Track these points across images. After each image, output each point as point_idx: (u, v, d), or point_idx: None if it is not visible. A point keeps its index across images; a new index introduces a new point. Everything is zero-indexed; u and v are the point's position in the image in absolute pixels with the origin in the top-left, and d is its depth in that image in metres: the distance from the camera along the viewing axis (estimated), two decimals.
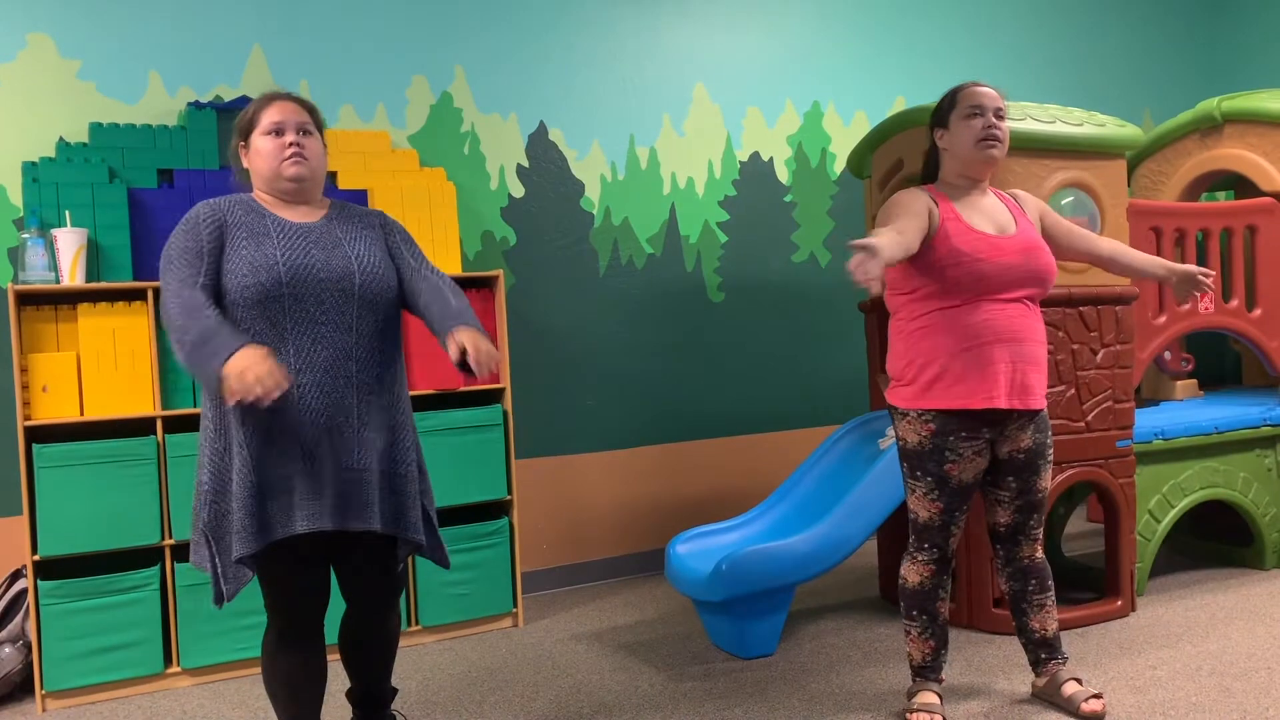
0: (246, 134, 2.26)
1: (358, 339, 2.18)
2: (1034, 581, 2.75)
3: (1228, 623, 3.39)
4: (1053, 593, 2.78)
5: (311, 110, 2.29)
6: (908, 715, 2.71)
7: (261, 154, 2.22)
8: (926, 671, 2.76)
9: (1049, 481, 2.72)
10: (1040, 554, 2.77)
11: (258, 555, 2.13)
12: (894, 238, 2.36)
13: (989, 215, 2.63)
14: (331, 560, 2.32)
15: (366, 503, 2.17)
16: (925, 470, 2.63)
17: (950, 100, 2.66)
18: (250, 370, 1.92)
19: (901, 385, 2.66)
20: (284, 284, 2.12)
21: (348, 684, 2.58)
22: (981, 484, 2.72)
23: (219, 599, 2.17)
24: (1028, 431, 2.64)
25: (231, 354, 1.95)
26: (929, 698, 2.73)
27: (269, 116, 2.22)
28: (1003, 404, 2.54)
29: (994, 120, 2.59)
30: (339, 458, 2.15)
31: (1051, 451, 2.71)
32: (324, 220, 2.27)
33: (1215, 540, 4.17)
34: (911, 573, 2.73)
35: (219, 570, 2.16)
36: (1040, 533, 2.75)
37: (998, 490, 2.71)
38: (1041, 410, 2.66)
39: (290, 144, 2.20)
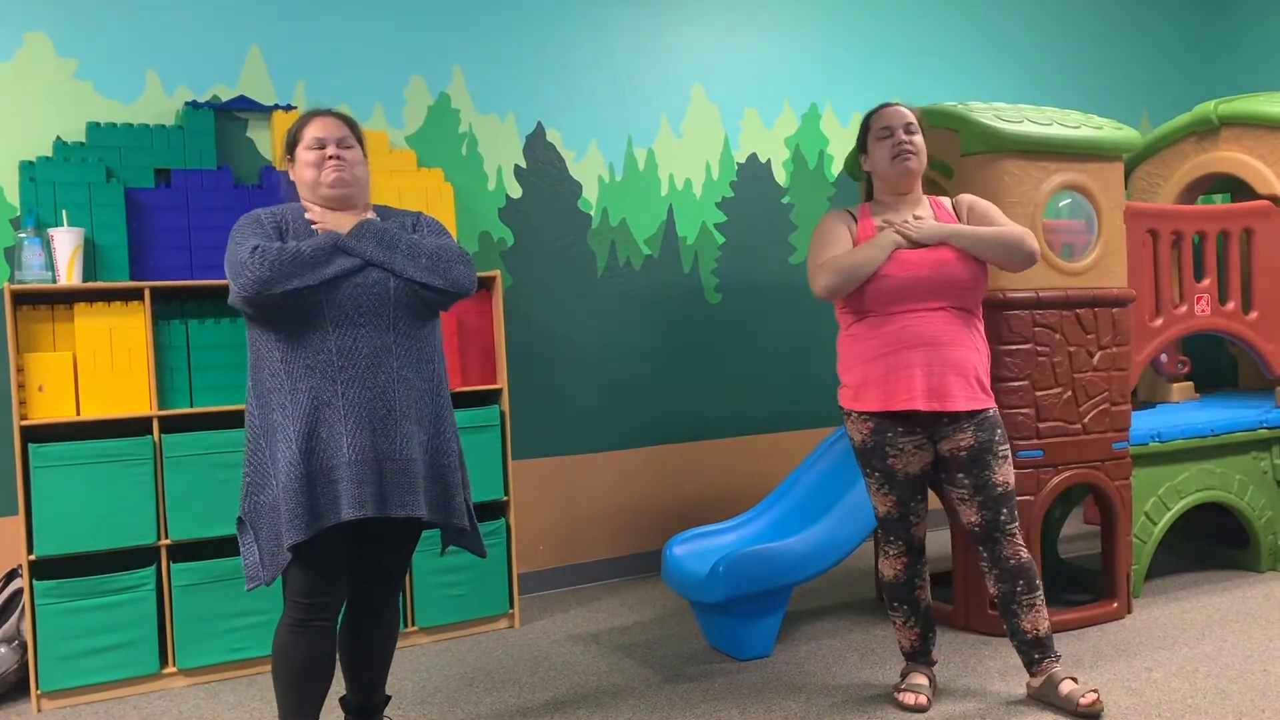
0: (292, 148, 2.42)
1: (396, 337, 2.31)
2: (1022, 582, 2.76)
3: (1223, 625, 3.39)
4: (1041, 591, 2.79)
5: (351, 124, 2.44)
6: (896, 694, 2.84)
7: (305, 165, 2.37)
8: (916, 656, 2.91)
9: (1007, 476, 2.75)
10: (1024, 553, 2.78)
11: (302, 542, 2.21)
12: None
13: None
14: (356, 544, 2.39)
15: (410, 490, 2.29)
16: (872, 466, 2.79)
17: (864, 127, 2.84)
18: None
19: (843, 387, 2.82)
20: (319, 288, 2.24)
21: (341, 690, 2.59)
22: (939, 484, 2.81)
23: (251, 582, 2.30)
24: (967, 432, 2.70)
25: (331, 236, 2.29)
26: (918, 679, 2.87)
27: (311, 132, 2.38)
28: (920, 406, 2.65)
29: (903, 137, 2.74)
30: (381, 449, 2.26)
31: (1004, 447, 2.74)
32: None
33: (1211, 543, 4.17)
34: (886, 567, 2.89)
35: (260, 555, 2.28)
36: (1016, 529, 2.77)
37: (954, 488, 2.77)
38: (982, 411, 2.71)
39: (331, 156, 2.35)
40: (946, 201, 2.87)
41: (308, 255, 2.22)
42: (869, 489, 2.84)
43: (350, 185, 2.38)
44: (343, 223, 2.34)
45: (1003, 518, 2.74)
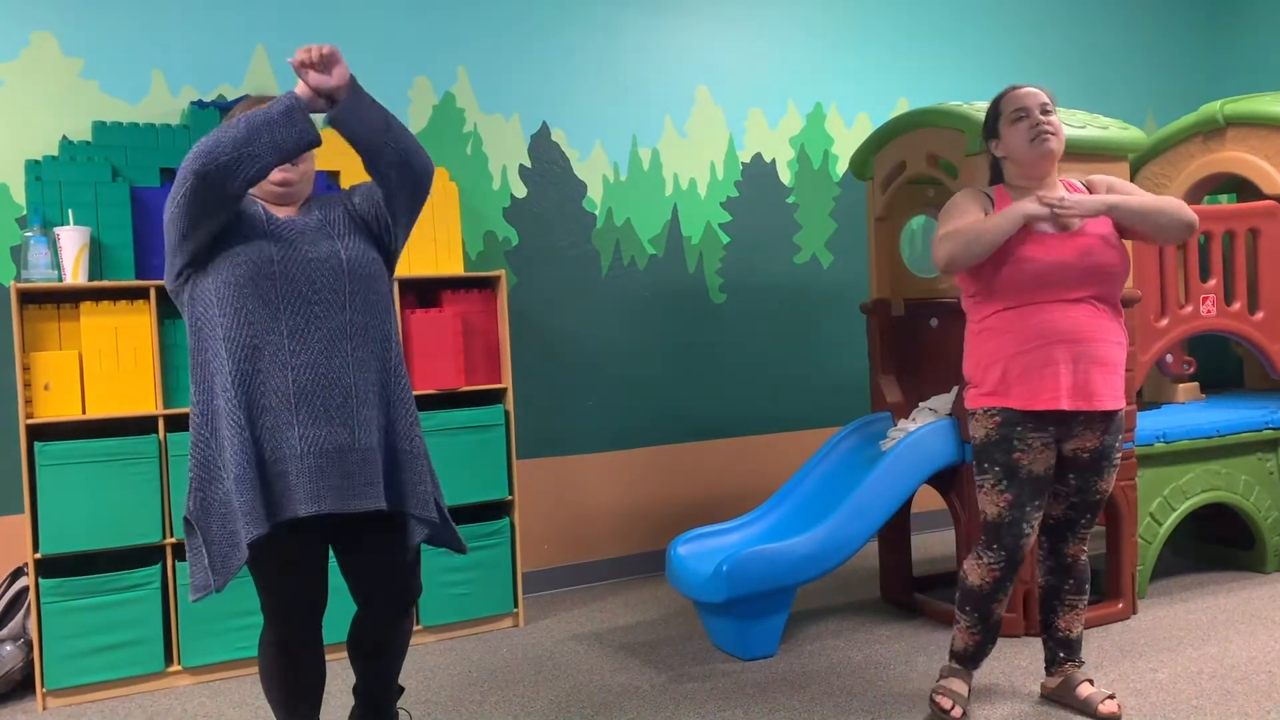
0: None
1: (352, 315, 2.15)
2: (1072, 581, 2.75)
3: (1229, 626, 3.38)
4: (1087, 597, 2.78)
5: None
6: (933, 695, 2.73)
7: None
8: (965, 660, 2.77)
9: (1110, 484, 2.69)
10: (1084, 556, 2.76)
11: (253, 557, 2.09)
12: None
13: None
14: (339, 557, 2.30)
15: (370, 482, 2.13)
16: (993, 460, 2.61)
17: (994, 110, 2.68)
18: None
19: (972, 387, 2.68)
20: (275, 262, 2.10)
21: (353, 679, 2.57)
22: None
23: (197, 590, 2.11)
24: (1096, 432, 2.61)
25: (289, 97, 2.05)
26: (958, 685, 2.74)
27: None
28: (1065, 405, 2.53)
29: (1040, 117, 2.59)
30: (338, 438, 2.10)
31: (1119, 455, 2.67)
32: (309, 215, 2.24)
33: (1216, 543, 4.16)
34: (973, 572, 2.68)
35: (209, 559, 2.11)
36: (1089, 534, 2.74)
37: (1057, 484, 2.69)
38: (1117, 412, 2.62)
39: None
40: (1079, 183, 2.73)
41: (263, 118, 2.01)
42: (980, 489, 2.66)
43: (297, 184, 2.22)
44: (292, 213, 2.21)
45: (1083, 521, 2.71)
